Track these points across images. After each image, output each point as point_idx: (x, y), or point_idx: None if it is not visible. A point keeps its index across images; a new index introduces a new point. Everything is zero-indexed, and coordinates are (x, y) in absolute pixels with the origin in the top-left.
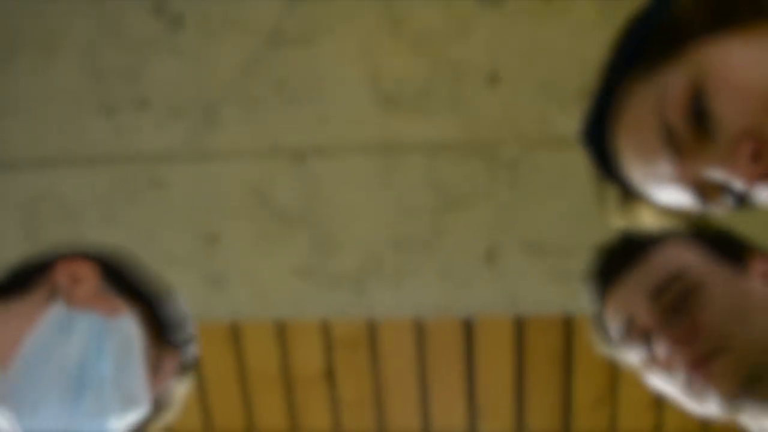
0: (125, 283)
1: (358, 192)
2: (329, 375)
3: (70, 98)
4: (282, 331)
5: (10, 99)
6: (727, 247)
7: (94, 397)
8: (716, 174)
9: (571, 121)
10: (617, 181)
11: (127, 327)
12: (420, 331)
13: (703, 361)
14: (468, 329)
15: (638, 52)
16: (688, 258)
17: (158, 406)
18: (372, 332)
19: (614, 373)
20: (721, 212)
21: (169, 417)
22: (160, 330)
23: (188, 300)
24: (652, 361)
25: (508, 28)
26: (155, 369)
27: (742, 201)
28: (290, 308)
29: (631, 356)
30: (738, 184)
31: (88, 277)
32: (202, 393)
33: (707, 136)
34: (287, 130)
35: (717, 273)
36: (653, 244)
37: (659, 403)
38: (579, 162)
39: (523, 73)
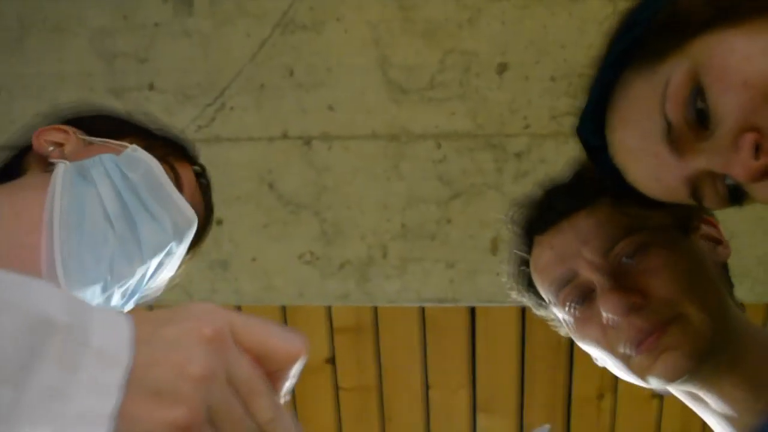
0: (102, 126)
1: (365, 180)
2: (332, 362)
3: (81, 81)
4: (286, 318)
5: (21, 81)
6: (676, 209)
7: (149, 227)
8: (715, 168)
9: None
10: (612, 175)
11: (139, 156)
12: (423, 319)
13: (654, 331)
14: (472, 319)
15: (636, 45)
16: (642, 215)
17: (199, 218)
18: (375, 320)
19: None
20: (715, 207)
21: (209, 230)
22: (162, 148)
23: (193, 284)
24: (588, 320)
25: (518, 19)
26: (178, 185)
27: (738, 196)
28: (295, 294)
29: (559, 313)
30: (737, 176)
31: (64, 136)
32: None
33: (706, 131)
34: (296, 117)
35: (670, 233)
36: (599, 194)
37: (660, 396)
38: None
39: (533, 65)
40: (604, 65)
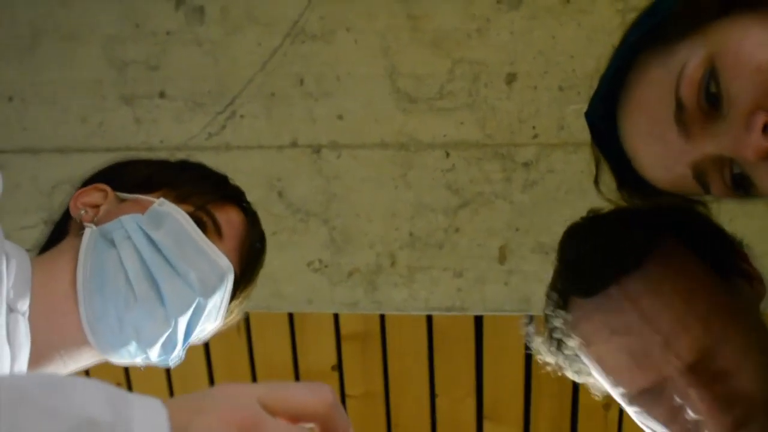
0: (136, 180)
1: (373, 188)
2: (339, 369)
3: (92, 88)
4: (293, 325)
5: (33, 88)
6: (720, 250)
7: (171, 285)
8: (724, 151)
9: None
10: (617, 162)
11: (165, 211)
12: (431, 328)
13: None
14: (479, 327)
15: (654, 31)
16: (698, 283)
17: (246, 259)
18: (382, 328)
19: None
20: (721, 195)
21: (261, 265)
22: (195, 194)
23: None
24: (656, 408)
25: (527, 29)
26: (217, 230)
27: (744, 185)
28: (303, 302)
29: (618, 397)
30: (747, 156)
31: (102, 196)
32: (211, 384)
33: (717, 116)
34: (305, 126)
35: (724, 296)
36: (646, 249)
37: None
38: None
39: (542, 75)
40: (619, 50)
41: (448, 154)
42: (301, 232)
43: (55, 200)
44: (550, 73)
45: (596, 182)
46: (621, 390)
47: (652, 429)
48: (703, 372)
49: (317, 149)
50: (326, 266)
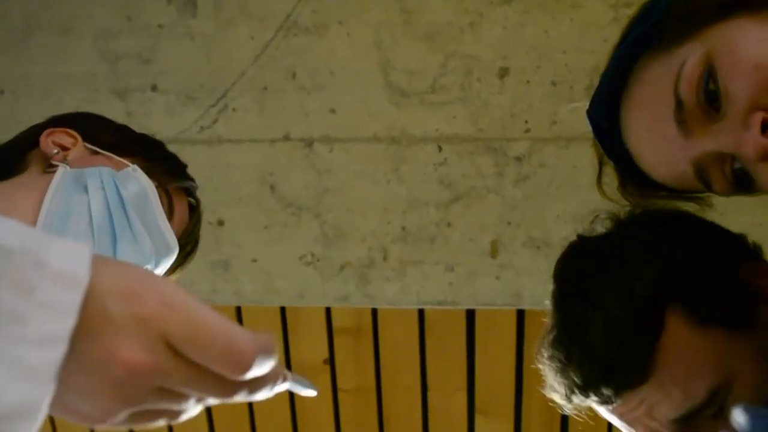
0: (110, 138)
1: (366, 183)
2: (331, 363)
3: (85, 82)
4: (286, 319)
5: (26, 81)
6: (734, 306)
7: (128, 246)
8: (724, 148)
9: (580, 118)
10: (618, 161)
11: (137, 176)
12: (423, 322)
13: None
14: (471, 321)
15: (653, 31)
16: (710, 351)
17: (182, 248)
18: (375, 322)
19: None
20: (722, 193)
21: (190, 261)
22: (162, 174)
23: (194, 285)
24: None
25: (519, 24)
26: (170, 212)
27: (745, 181)
28: (295, 296)
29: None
30: (747, 154)
31: (72, 143)
32: None
33: (716, 114)
34: (298, 119)
35: (743, 347)
36: (652, 343)
37: None
38: (587, 159)
39: (534, 69)
40: (619, 50)
41: (440, 149)
42: (293, 226)
43: None
44: (542, 68)
45: (599, 181)
46: None
47: None
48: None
49: (309, 143)
50: (318, 260)
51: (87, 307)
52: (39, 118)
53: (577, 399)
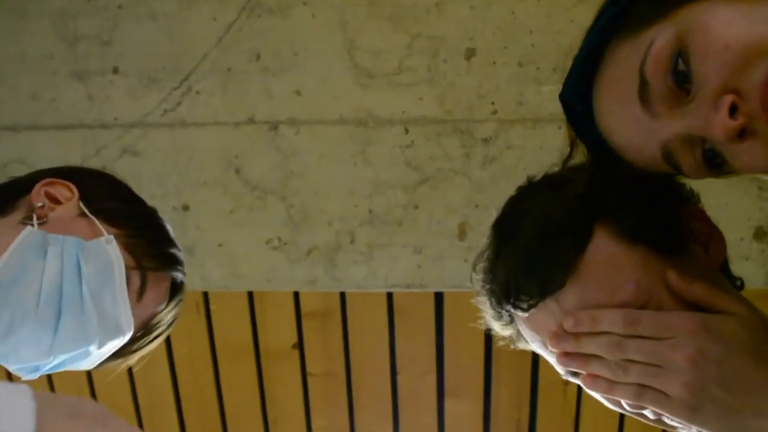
0: (106, 204)
1: (332, 165)
2: (299, 347)
3: (43, 64)
4: (253, 303)
5: None
6: (665, 230)
7: (72, 321)
8: (693, 130)
9: (546, 99)
10: (590, 145)
11: (106, 250)
12: (391, 305)
13: None
14: (439, 304)
15: (626, 14)
16: (634, 267)
17: (146, 330)
18: (343, 305)
19: None
20: (693, 175)
21: (157, 342)
22: (144, 253)
23: None
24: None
25: (486, 4)
26: (140, 293)
27: (716, 163)
28: (262, 280)
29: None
30: (715, 136)
31: (67, 198)
32: (171, 363)
33: (686, 96)
34: (263, 102)
35: (664, 292)
36: (577, 251)
37: None
38: (554, 140)
39: (501, 50)
40: (592, 32)
41: (407, 130)
42: (259, 209)
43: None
44: (509, 49)
45: (565, 163)
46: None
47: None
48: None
49: (275, 126)
50: (285, 244)
51: None
52: None
53: (502, 309)
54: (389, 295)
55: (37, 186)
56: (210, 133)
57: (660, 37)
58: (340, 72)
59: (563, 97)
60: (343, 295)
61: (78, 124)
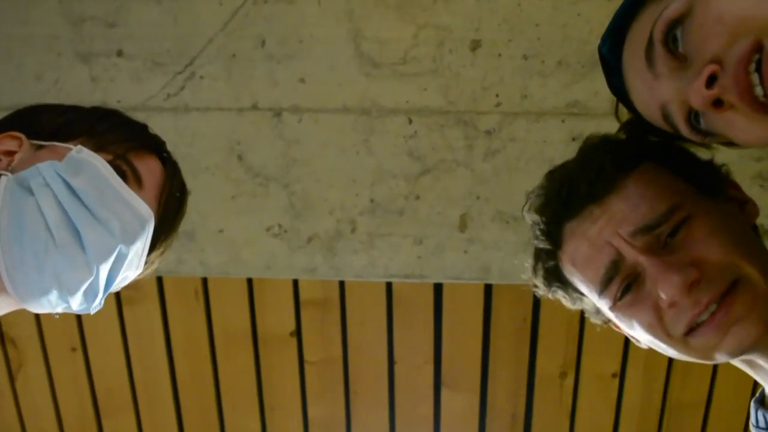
0: (53, 126)
1: (335, 154)
2: (298, 335)
3: (48, 44)
4: (252, 290)
5: None
6: (704, 174)
7: (92, 233)
8: (679, 94)
9: (550, 92)
10: (620, 97)
11: (82, 158)
12: (390, 295)
13: (721, 305)
14: (438, 295)
15: None
16: (675, 187)
17: (166, 208)
18: (342, 294)
19: (578, 346)
20: (688, 136)
21: (183, 212)
22: (113, 142)
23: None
24: (637, 305)
25: None
26: (136, 179)
27: (701, 128)
28: (262, 267)
29: (604, 305)
30: (692, 102)
31: (17, 143)
32: (168, 349)
33: (683, 61)
34: (267, 88)
35: (707, 204)
36: (625, 171)
37: (621, 375)
38: (557, 134)
39: (506, 42)
40: None
41: (410, 121)
42: (261, 196)
43: None
44: (514, 41)
45: (616, 114)
46: (592, 286)
47: (635, 325)
48: (653, 243)
49: (278, 113)
50: (285, 231)
51: None
52: (2, 82)
53: (551, 222)
54: (388, 285)
55: None
56: (213, 119)
57: (675, 3)
58: (345, 60)
59: (601, 49)
60: (342, 283)
61: (82, 105)
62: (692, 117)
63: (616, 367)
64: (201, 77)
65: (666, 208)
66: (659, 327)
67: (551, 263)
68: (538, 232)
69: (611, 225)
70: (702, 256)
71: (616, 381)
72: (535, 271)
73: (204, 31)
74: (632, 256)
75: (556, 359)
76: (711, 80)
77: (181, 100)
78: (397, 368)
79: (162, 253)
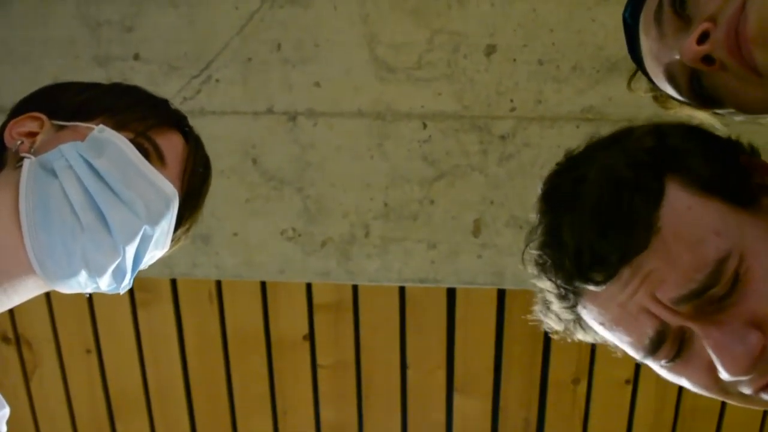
0: (74, 104)
1: (349, 158)
2: (311, 339)
3: (66, 48)
4: (266, 293)
5: (6, 46)
6: (735, 175)
7: (117, 213)
8: (677, 52)
9: (565, 98)
10: (638, 62)
11: (104, 138)
12: (403, 299)
13: None
14: (451, 300)
15: None
16: (713, 216)
17: (190, 184)
18: (355, 298)
19: (591, 352)
20: (691, 100)
21: (208, 188)
22: (135, 119)
23: (174, 258)
24: (689, 365)
25: (507, 1)
26: (159, 157)
27: (702, 91)
28: (275, 271)
29: (647, 361)
30: (681, 56)
31: (38, 124)
32: (182, 351)
33: (687, 23)
34: (282, 92)
35: (752, 226)
36: (652, 206)
37: (634, 382)
38: (571, 139)
39: (521, 47)
40: None
41: (425, 125)
42: (275, 200)
43: None
44: (529, 47)
45: (629, 84)
46: (632, 350)
47: (685, 382)
48: (702, 305)
49: (293, 117)
50: (300, 235)
51: None
52: (18, 84)
53: (570, 286)
54: (401, 290)
55: (6, 133)
56: (228, 123)
57: None
58: (360, 65)
59: (624, 15)
60: (355, 287)
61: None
62: (694, 81)
63: (629, 373)
64: (217, 81)
65: (714, 264)
66: (716, 388)
67: (570, 318)
68: (548, 296)
69: (647, 287)
70: (764, 311)
71: (630, 387)
72: (545, 316)
73: (220, 36)
74: (678, 322)
75: (569, 365)
76: (703, 37)
77: (196, 104)
78: (409, 373)
79: (188, 230)
